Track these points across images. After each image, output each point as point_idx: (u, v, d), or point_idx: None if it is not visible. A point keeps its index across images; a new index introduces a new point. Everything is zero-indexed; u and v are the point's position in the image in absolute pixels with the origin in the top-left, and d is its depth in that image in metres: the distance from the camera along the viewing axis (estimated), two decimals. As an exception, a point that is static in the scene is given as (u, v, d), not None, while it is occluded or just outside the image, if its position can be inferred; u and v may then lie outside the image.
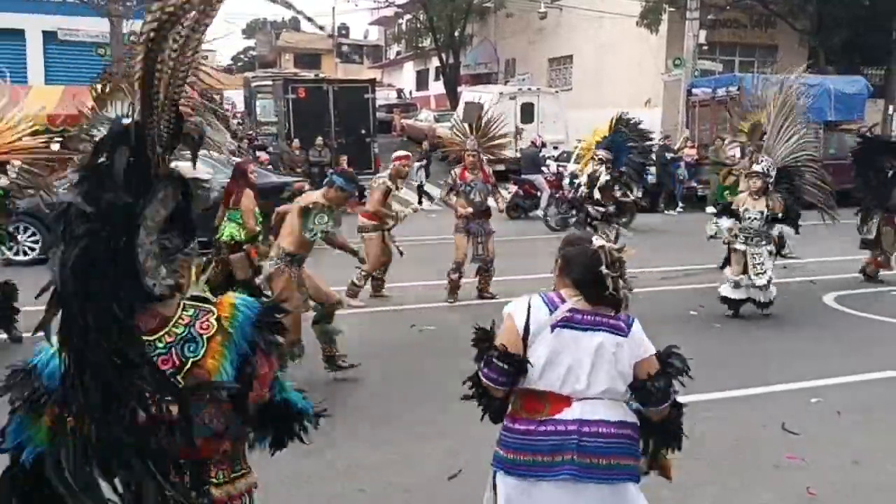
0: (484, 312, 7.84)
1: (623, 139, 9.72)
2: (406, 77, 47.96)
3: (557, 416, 2.62)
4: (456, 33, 34.10)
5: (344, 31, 60.31)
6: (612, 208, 9.60)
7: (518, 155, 19.88)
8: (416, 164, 20.29)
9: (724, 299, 8.44)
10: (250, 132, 22.92)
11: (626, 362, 2.65)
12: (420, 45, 40.83)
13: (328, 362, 6.34)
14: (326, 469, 4.68)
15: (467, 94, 26.56)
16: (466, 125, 9.81)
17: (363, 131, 20.27)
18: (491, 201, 9.47)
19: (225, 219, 7.71)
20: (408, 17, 41.90)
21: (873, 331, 8.05)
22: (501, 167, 20.24)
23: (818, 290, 9.61)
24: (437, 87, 39.24)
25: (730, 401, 5.77)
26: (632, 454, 2.68)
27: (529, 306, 2.73)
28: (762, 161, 8.32)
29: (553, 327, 2.66)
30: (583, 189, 9.42)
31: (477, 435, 5.14)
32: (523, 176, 18.40)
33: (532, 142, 19.75)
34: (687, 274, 9.80)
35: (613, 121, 9.75)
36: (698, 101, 21.54)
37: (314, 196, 6.24)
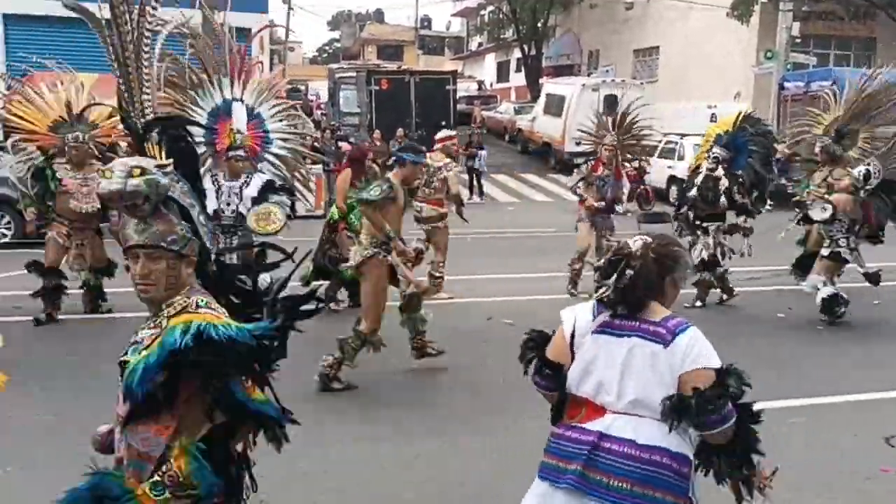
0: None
1: (745, 140, 8.85)
2: (487, 69, 47.84)
3: (586, 425, 2.50)
4: (539, 24, 33.81)
5: (426, 23, 60.56)
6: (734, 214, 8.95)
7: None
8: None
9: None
10: (333, 123, 23.26)
11: (666, 374, 2.41)
12: (502, 36, 40.68)
13: (415, 350, 6.32)
14: (378, 459, 4.72)
15: (549, 85, 26.32)
16: (609, 119, 9.58)
17: (443, 122, 20.28)
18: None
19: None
20: (490, 8, 41.76)
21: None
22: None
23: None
24: (517, 79, 39.03)
25: (820, 407, 5.55)
26: (665, 486, 2.37)
27: (578, 310, 2.64)
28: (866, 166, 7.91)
29: (593, 332, 2.55)
30: (693, 193, 8.85)
31: (533, 433, 5.11)
32: None
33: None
34: (776, 274, 9.48)
35: (739, 117, 8.90)
36: (790, 95, 20.79)
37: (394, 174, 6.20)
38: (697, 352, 2.41)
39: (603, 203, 9.00)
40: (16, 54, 20.40)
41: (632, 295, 2.48)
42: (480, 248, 12.41)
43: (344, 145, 19.47)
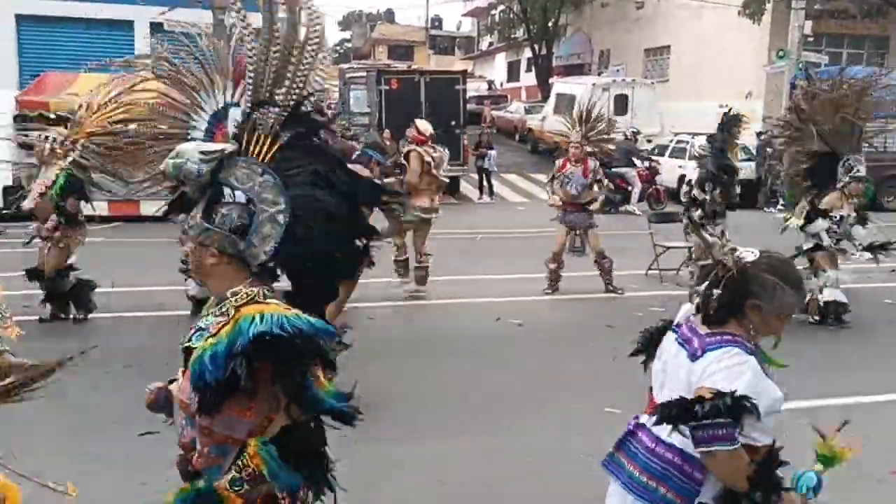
0: (575, 309, 7.71)
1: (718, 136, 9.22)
2: (498, 68, 47.79)
3: (641, 415, 2.57)
4: (549, 24, 33.72)
5: (437, 23, 60.54)
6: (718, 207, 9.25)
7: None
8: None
9: (832, 303, 7.87)
10: (343, 122, 23.25)
11: (685, 387, 2.37)
12: (513, 36, 40.59)
13: None
14: (378, 460, 4.70)
15: (559, 85, 26.24)
16: (576, 117, 9.62)
17: (453, 122, 20.25)
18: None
19: None
20: (501, 7, 41.69)
21: None
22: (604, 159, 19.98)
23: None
24: (528, 79, 38.95)
25: (831, 409, 5.48)
26: (669, 484, 2.38)
27: (686, 306, 2.62)
28: (860, 163, 7.82)
29: (671, 328, 2.58)
30: (694, 190, 9.12)
31: (535, 434, 5.10)
32: (615, 169, 17.96)
33: (623, 134, 19.26)
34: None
35: (723, 117, 9.19)
36: (802, 94, 20.64)
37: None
38: (713, 370, 2.31)
39: (559, 201, 9.06)
40: (29, 55, 20.65)
41: (712, 310, 2.42)
42: (490, 247, 12.38)
43: (353, 144, 19.48)
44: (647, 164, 18.29)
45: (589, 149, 9.28)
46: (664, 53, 30.33)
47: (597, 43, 35.18)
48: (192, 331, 2.26)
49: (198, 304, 7.71)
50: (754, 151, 19.06)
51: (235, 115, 7.76)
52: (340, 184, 2.34)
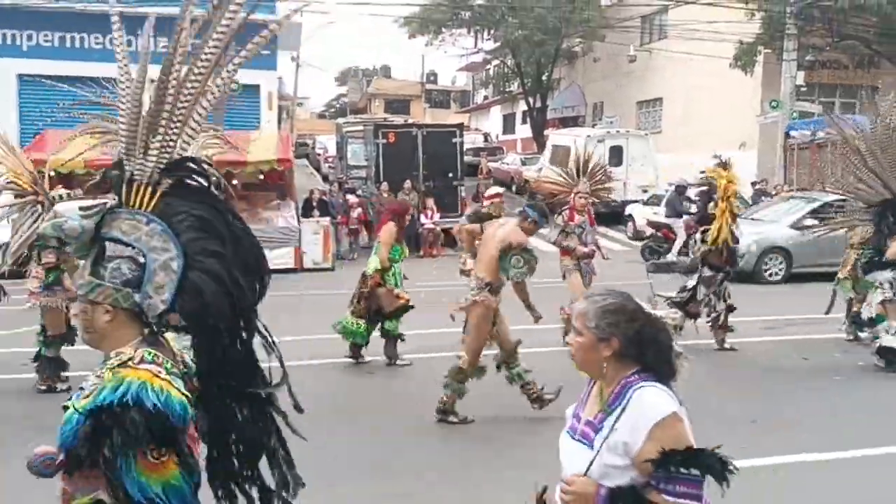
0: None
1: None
2: (493, 121, 48.33)
3: None
4: (543, 77, 34.22)
5: (433, 78, 61.43)
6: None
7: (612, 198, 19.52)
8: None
9: (889, 350, 7.70)
10: (341, 176, 23.43)
11: None
12: (507, 89, 41.16)
13: (536, 402, 6.30)
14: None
15: (554, 137, 26.50)
16: (574, 169, 9.58)
17: (451, 175, 20.38)
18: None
19: (373, 252, 8.22)
20: (495, 62, 42.37)
21: None
22: (603, 209, 19.86)
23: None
24: (523, 131, 39.37)
25: (850, 461, 5.37)
26: None
27: None
28: None
29: None
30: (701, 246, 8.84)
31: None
32: (664, 219, 17.77)
33: (675, 186, 19.00)
34: (789, 323, 9.32)
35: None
36: (797, 143, 20.85)
37: (515, 233, 6.33)
38: None
39: (592, 248, 9.07)
40: (29, 113, 20.79)
41: None
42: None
43: (351, 198, 19.54)
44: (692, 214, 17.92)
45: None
46: (657, 105, 30.73)
47: (590, 95, 35.65)
48: (76, 389, 2.14)
49: None
50: (750, 201, 19.09)
51: None
52: (224, 226, 2.22)
